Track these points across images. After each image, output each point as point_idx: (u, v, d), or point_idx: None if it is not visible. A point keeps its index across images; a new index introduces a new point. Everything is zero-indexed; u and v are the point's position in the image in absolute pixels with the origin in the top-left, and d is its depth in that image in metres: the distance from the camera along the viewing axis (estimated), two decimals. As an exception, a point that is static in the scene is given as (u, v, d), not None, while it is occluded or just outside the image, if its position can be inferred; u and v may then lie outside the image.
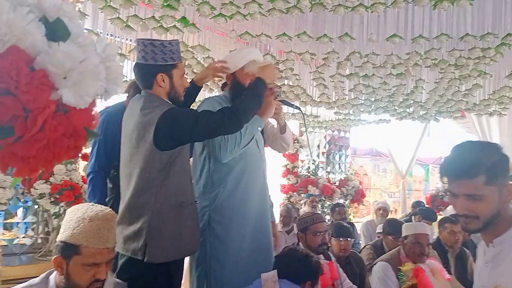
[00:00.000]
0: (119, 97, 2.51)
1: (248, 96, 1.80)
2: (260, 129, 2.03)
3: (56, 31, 0.71)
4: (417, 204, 5.52)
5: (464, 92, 4.12)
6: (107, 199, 2.25)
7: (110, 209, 1.50)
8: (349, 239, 2.95)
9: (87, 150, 2.68)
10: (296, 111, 4.93)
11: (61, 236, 1.43)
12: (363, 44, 3.29)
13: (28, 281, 1.46)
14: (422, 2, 2.59)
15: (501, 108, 4.53)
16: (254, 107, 1.80)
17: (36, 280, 1.46)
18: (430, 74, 3.95)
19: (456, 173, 1.22)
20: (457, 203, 1.23)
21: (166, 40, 1.83)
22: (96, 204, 1.50)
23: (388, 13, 3.03)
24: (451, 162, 1.25)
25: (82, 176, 3.41)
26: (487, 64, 3.32)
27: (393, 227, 3.54)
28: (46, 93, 0.67)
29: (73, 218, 1.44)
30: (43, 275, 1.47)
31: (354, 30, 3.14)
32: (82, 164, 3.71)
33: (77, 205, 1.52)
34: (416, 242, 2.66)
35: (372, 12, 2.72)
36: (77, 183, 3.51)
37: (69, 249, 1.39)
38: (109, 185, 2.27)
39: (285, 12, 2.71)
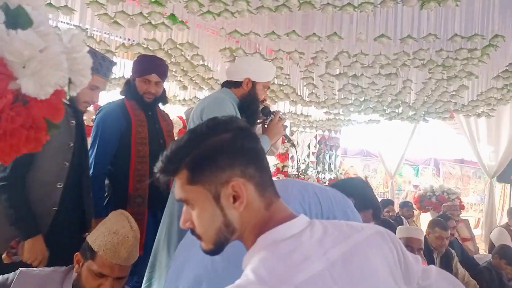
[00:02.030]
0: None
1: None
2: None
3: (17, 19, 0.68)
4: (404, 204, 5.54)
5: (451, 93, 4.14)
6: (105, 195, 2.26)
7: (136, 227, 1.48)
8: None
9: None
10: (286, 110, 4.92)
11: (90, 236, 1.45)
12: (352, 44, 3.29)
13: (54, 267, 1.49)
14: (411, 2, 2.59)
15: (488, 110, 4.56)
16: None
17: (62, 268, 1.48)
18: (419, 75, 3.96)
19: None
20: None
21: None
22: (129, 219, 1.49)
23: (377, 13, 3.03)
24: None
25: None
26: (475, 65, 3.33)
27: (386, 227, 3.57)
28: (3, 82, 0.65)
29: (105, 223, 1.47)
30: (68, 266, 1.49)
31: (343, 30, 3.14)
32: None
33: (115, 213, 1.53)
34: (407, 246, 2.68)
35: (360, 11, 2.72)
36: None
37: (88, 251, 1.41)
38: (106, 181, 2.27)
39: (274, 10, 2.70)
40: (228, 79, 2.16)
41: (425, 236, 3.49)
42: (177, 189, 0.83)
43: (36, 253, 1.67)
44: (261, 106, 2.18)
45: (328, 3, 2.63)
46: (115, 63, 2.10)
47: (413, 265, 0.90)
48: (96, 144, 2.20)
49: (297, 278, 0.70)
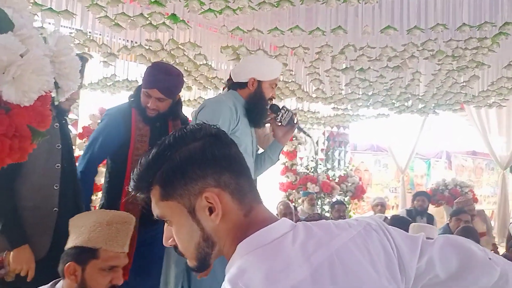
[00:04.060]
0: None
1: None
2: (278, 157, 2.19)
3: (-4, 22, 0.65)
4: (416, 194, 5.49)
5: (462, 84, 4.04)
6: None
7: (128, 213, 1.50)
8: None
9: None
10: (293, 107, 4.88)
11: (75, 242, 1.40)
12: (357, 37, 3.22)
13: None
14: (417, -9, 2.53)
15: (500, 100, 4.45)
16: None
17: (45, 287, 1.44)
18: (428, 66, 3.87)
19: None
20: None
21: None
22: (108, 211, 1.50)
23: (382, 4, 2.96)
24: None
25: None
26: (485, 54, 3.24)
27: (397, 224, 3.54)
28: (-18, 89, 0.61)
29: (86, 224, 1.42)
30: (49, 284, 1.44)
31: (349, 23, 3.07)
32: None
33: (83, 213, 1.54)
34: None
35: (365, 3, 2.65)
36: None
37: (86, 254, 1.37)
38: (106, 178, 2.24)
39: (276, 5, 2.64)
40: (234, 80, 2.12)
41: None
42: (153, 206, 0.79)
43: (22, 262, 1.66)
44: (269, 104, 2.15)
45: (331, -5, 2.57)
46: (87, 59, 2.06)
47: (405, 254, 0.83)
48: (90, 151, 2.16)
49: None
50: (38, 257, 1.71)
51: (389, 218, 4.43)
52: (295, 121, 2.14)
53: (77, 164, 2.17)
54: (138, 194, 0.80)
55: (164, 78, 2.10)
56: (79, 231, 1.41)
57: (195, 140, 0.77)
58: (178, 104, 2.27)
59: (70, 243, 1.43)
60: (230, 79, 2.19)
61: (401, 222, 3.76)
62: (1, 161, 0.64)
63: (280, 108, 2.13)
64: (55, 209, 1.78)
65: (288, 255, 0.71)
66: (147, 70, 2.18)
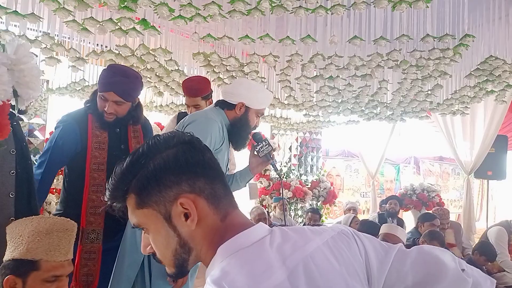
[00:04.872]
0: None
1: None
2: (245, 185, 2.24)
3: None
4: (384, 202, 5.63)
5: (426, 92, 4.19)
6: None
7: (68, 219, 1.41)
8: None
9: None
10: (266, 113, 4.93)
11: (13, 254, 1.32)
12: (326, 46, 3.30)
13: None
14: (381, 4, 2.61)
15: (463, 108, 4.64)
16: None
17: None
18: (394, 75, 4.00)
19: None
20: None
21: None
22: (47, 216, 1.41)
23: (350, 15, 3.04)
24: None
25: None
26: (447, 64, 3.38)
27: (366, 228, 3.65)
28: None
29: (24, 233, 1.33)
30: None
31: (317, 32, 3.14)
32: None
33: (20, 220, 1.42)
34: (383, 240, 2.76)
35: (332, 14, 2.72)
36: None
37: (25, 266, 1.30)
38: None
39: (246, 14, 2.68)
40: (223, 99, 2.12)
41: (417, 242, 3.55)
42: (129, 214, 0.80)
43: None
44: (252, 132, 2.18)
45: (300, 6, 2.63)
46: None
47: (373, 263, 0.85)
48: (46, 160, 2.04)
49: None
50: None
51: (358, 217, 4.54)
52: (271, 156, 2.15)
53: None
54: (114, 204, 0.80)
55: (121, 80, 2.00)
56: (17, 242, 1.34)
57: (169, 148, 0.78)
58: (137, 107, 2.16)
59: (8, 254, 1.35)
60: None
61: (370, 226, 3.87)
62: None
63: (262, 139, 2.16)
64: (12, 218, 1.67)
65: (267, 258, 0.73)
66: (102, 73, 2.07)
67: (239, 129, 2.08)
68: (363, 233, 0.89)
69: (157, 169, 0.76)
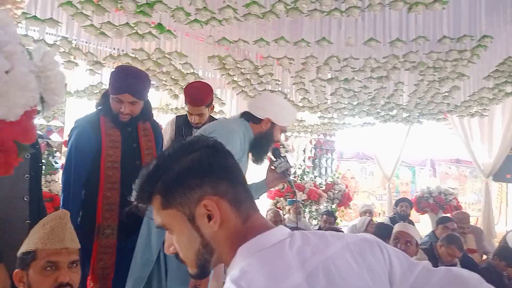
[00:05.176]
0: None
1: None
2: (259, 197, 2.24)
3: (-19, 39, 0.67)
4: (395, 204, 5.57)
5: (444, 94, 4.14)
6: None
7: (61, 210, 1.47)
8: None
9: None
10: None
11: (19, 250, 1.40)
12: (341, 48, 3.29)
13: None
14: (397, 6, 2.59)
15: (481, 109, 4.56)
16: None
17: None
18: (410, 77, 3.96)
19: None
20: None
21: None
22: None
23: (365, 17, 3.03)
24: None
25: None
26: (465, 66, 3.33)
27: (381, 230, 3.65)
28: (-33, 106, 0.63)
29: (31, 232, 1.42)
30: None
31: (332, 34, 3.13)
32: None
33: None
34: (395, 238, 3.06)
35: (348, 16, 2.71)
36: (57, 194, 3.44)
37: (26, 258, 1.35)
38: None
39: (261, 17, 2.69)
40: (250, 111, 2.15)
41: (435, 246, 3.51)
42: (154, 215, 0.83)
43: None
44: (273, 147, 2.20)
45: (315, 8, 2.63)
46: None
47: (396, 271, 0.84)
48: (72, 164, 2.12)
49: None
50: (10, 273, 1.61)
51: (374, 220, 4.51)
52: (288, 173, 2.17)
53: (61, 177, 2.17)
54: (140, 204, 0.83)
55: (134, 81, 2.11)
56: (25, 241, 1.42)
57: (193, 151, 0.81)
58: (146, 105, 2.27)
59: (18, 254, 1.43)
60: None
61: (385, 229, 3.85)
62: (-15, 175, 0.66)
63: (281, 155, 2.18)
64: (28, 221, 1.70)
65: (287, 260, 0.74)
66: (113, 76, 2.15)
67: (262, 144, 2.10)
68: (387, 244, 0.88)
69: (181, 172, 0.79)
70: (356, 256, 0.80)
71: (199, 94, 2.71)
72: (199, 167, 0.80)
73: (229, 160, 0.84)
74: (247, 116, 2.13)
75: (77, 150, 2.11)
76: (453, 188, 7.64)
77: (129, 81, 2.10)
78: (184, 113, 3.03)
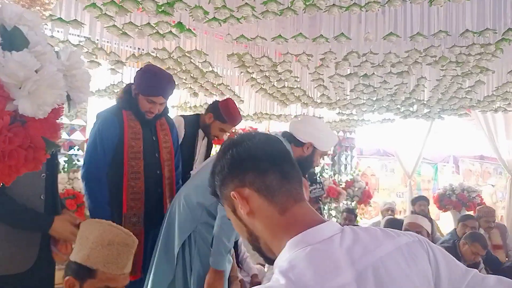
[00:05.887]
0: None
1: None
2: None
3: (13, 40, 0.69)
4: (416, 199, 5.46)
5: (467, 89, 4.05)
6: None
7: (131, 234, 1.45)
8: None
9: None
10: (298, 112, 4.94)
11: (76, 257, 1.41)
12: (361, 44, 3.26)
13: None
14: (418, -1, 2.55)
15: (505, 104, 4.45)
16: None
17: None
18: (432, 72, 3.89)
19: None
20: None
21: None
22: (115, 225, 1.46)
23: (385, 11, 2.99)
24: None
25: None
26: (488, 60, 3.25)
27: (392, 226, 3.61)
28: (0, 104, 0.66)
29: (90, 237, 1.41)
30: None
31: (351, 30, 3.11)
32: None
33: (93, 220, 1.50)
34: (406, 229, 3.04)
35: (367, 11, 2.69)
36: (80, 192, 3.51)
37: (84, 272, 1.37)
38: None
39: (279, 14, 2.69)
40: (292, 133, 2.17)
41: (458, 244, 3.46)
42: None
43: (64, 233, 1.61)
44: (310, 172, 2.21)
45: (333, 4, 2.61)
46: None
47: (443, 277, 0.83)
48: (94, 153, 2.18)
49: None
50: (24, 269, 1.60)
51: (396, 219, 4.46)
52: (320, 200, 2.19)
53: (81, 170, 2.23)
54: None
55: (168, 86, 2.27)
56: (83, 244, 1.41)
57: (227, 151, 0.90)
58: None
59: (74, 254, 1.43)
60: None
61: (396, 223, 3.82)
62: (16, 171, 0.69)
63: (317, 181, 2.19)
64: None
65: (336, 258, 0.75)
66: (148, 78, 2.23)
67: (302, 167, 2.11)
68: (437, 246, 0.87)
69: (220, 171, 0.89)
70: (408, 260, 0.79)
71: (239, 116, 2.90)
72: (229, 163, 0.87)
73: (252, 152, 0.87)
74: (289, 137, 2.17)
75: (101, 138, 2.17)
76: (480, 185, 7.43)
77: (164, 85, 2.23)
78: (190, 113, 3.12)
